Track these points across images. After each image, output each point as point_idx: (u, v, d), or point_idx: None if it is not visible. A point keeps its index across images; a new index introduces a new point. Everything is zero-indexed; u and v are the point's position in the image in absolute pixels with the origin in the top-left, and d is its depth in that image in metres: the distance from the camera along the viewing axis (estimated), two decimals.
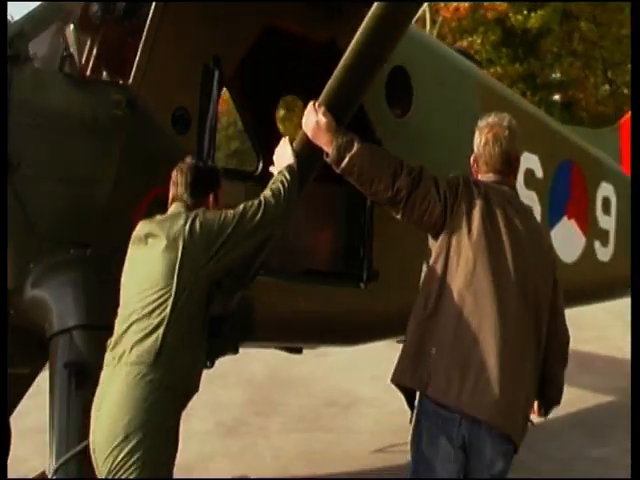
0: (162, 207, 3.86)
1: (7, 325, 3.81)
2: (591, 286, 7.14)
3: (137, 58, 4.25)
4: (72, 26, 4.11)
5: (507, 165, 3.65)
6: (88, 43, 4.62)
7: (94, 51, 4.43)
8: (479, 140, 3.67)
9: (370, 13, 3.48)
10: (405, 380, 3.44)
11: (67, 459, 3.49)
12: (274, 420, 8.02)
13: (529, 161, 6.28)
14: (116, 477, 3.14)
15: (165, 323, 3.29)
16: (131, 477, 3.12)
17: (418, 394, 3.40)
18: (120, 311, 3.47)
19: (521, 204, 3.70)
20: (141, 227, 3.67)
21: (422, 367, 3.33)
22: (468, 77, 6.05)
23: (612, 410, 8.39)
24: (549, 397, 3.71)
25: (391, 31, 3.57)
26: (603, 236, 7.23)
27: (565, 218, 6.71)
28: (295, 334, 5.02)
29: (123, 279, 3.59)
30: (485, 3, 29.90)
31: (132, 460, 3.12)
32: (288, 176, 3.67)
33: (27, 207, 3.91)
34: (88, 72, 4.59)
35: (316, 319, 4.60)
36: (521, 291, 3.35)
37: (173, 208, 3.72)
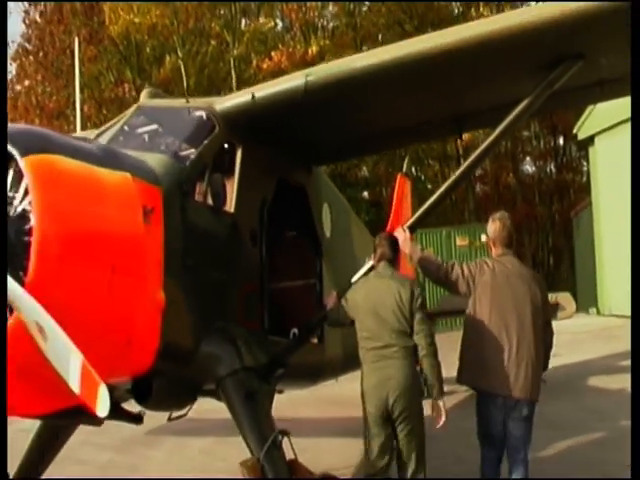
0: (255, 297, 6.71)
1: (6, 325, 4.36)
2: None
3: (235, 193, 6.49)
4: (220, 175, 6.27)
5: (511, 242, 6.30)
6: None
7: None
8: (495, 228, 6.28)
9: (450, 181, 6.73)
10: (465, 382, 6.24)
11: (268, 447, 5.63)
12: None
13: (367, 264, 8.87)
14: (408, 407, 5.89)
15: (408, 333, 5.98)
16: (416, 406, 5.99)
17: (477, 389, 6.13)
18: (370, 329, 6.07)
19: (516, 263, 6.25)
20: (371, 281, 6.35)
21: (469, 374, 6.06)
22: (347, 210, 9.56)
23: None
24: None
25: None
26: None
27: None
28: (303, 378, 7.80)
29: (363, 315, 6.15)
30: None
31: (416, 397, 5.97)
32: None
33: (190, 293, 5.67)
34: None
35: (309, 365, 7.29)
36: (517, 317, 5.94)
37: (384, 265, 6.34)
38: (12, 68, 41.17)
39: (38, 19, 39.99)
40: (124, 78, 38.60)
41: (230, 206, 6.42)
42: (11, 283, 4.19)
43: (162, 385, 5.74)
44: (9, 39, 41.16)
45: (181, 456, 10.33)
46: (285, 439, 5.92)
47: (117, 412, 5.67)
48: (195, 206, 5.99)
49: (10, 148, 4.48)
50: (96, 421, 5.44)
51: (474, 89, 6.69)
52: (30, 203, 4.42)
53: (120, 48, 38.27)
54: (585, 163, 44.48)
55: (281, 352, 6.71)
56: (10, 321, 4.29)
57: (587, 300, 27.49)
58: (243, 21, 38.24)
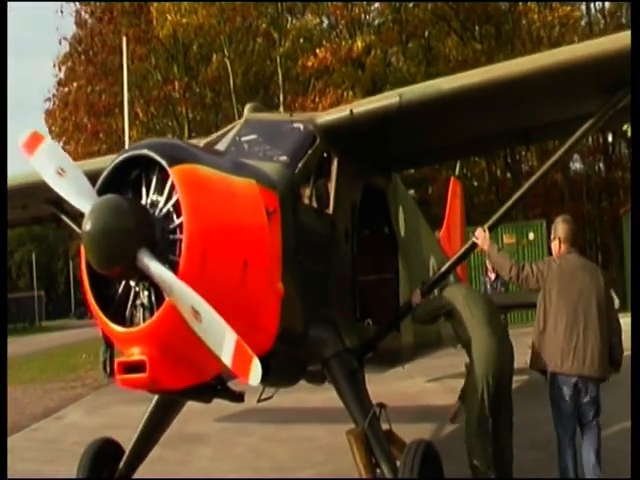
0: (348, 288, 7.63)
1: (6, 326, 5.13)
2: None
3: (332, 197, 7.26)
4: (323, 181, 7.23)
5: (576, 240, 7.21)
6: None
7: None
8: (563, 228, 7.08)
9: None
10: (538, 366, 6.99)
11: (370, 417, 6.46)
12: None
13: (432, 261, 10.44)
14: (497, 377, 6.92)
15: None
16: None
17: (550, 372, 6.81)
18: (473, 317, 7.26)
19: (581, 259, 7.12)
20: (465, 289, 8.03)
21: (543, 357, 6.84)
22: (416, 212, 10.34)
23: None
24: (614, 357, 6.93)
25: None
26: None
27: None
28: (384, 362, 8.74)
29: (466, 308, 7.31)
30: None
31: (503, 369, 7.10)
32: None
33: (301, 284, 6.45)
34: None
35: (390, 350, 8.15)
36: (583, 305, 6.74)
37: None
38: (63, 68, 41.93)
39: (89, 19, 40.54)
40: (172, 76, 38.93)
41: (329, 208, 7.25)
42: (166, 273, 4.92)
43: (278, 364, 6.40)
44: (61, 36, 41.85)
45: (228, 454, 10.41)
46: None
47: (224, 390, 6.41)
48: (303, 208, 6.87)
49: (159, 158, 5.20)
50: (206, 399, 6.57)
51: (544, 108, 7.59)
52: (174, 206, 5.18)
53: (167, 47, 38.61)
54: None
55: (373, 337, 7.68)
56: (163, 305, 5.04)
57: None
58: (289, 19, 38.30)
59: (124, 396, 17.51)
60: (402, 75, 38.08)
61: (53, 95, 43.31)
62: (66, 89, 42.20)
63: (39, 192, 8.53)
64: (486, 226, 7.43)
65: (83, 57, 40.32)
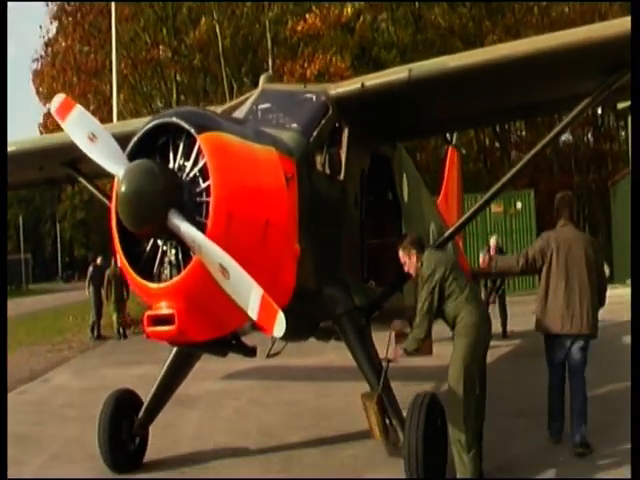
0: (357, 250, 8.16)
1: (6, 324, 5.29)
2: None
3: (343, 164, 7.70)
4: (335, 149, 7.68)
5: (572, 214, 8.08)
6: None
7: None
8: (558, 203, 7.98)
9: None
10: (541, 329, 7.79)
11: (383, 379, 7.01)
12: None
13: (432, 227, 11.03)
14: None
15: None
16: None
17: (553, 333, 7.68)
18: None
19: (574, 231, 7.92)
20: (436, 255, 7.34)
21: (546, 321, 7.68)
22: (418, 179, 10.80)
23: None
24: (601, 303, 7.89)
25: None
26: None
27: None
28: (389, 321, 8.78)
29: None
30: None
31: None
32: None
33: (315, 245, 6.86)
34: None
35: (394, 310, 8.40)
36: (578, 273, 7.61)
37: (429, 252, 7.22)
38: (52, 27, 41.43)
39: None
40: (159, 40, 38.48)
41: (340, 175, 7.71)
42: (196, 232, 5.33)
43: (293, 320, 6.59)
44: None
45: (215, 416, 10.46)
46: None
47: (238, 345, 7.01)
48: (317, 174, 7.31)
49: (186, 126, 5.61)
50: (222, 352, 7.19)
51: (546, 86, 8.05)
52: (200, 170, 5.60)
53: (156, 10, 38.11)
54: (623, 132, 43.76)
55: (378, 297, 8.18)
56: (191, 263, 5.48)
57: (624, 271, 27.20)
58: None
59: (110, 359, 17.70)
60: (390, 38, 37.92)
61: (41, 56, 42.80)
62: (55, 48, 41.62)
63: (56, 154, 9.15)
64: (491, 193, 8.17)
65: (71, 19, 39.76)
